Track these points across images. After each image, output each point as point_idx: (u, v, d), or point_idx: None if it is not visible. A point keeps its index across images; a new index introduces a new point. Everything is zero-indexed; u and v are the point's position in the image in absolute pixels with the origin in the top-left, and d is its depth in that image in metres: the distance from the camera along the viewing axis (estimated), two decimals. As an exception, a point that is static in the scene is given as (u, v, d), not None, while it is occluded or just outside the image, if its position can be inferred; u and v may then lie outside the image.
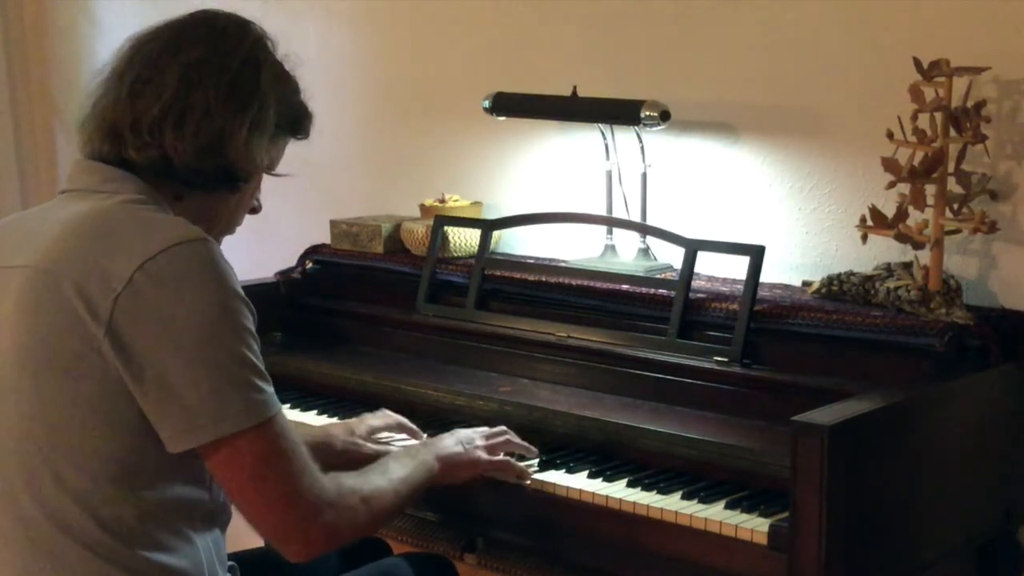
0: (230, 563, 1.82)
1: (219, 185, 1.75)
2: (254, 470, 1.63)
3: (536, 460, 2.13)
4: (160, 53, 1.72)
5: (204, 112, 1.70)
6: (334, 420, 2.41)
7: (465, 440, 2.07)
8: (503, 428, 2.15)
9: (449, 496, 2.18)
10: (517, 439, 2.14)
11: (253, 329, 1.65)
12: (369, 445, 2.14)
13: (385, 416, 2.22)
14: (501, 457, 2.09)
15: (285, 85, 1.80)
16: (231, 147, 1.72)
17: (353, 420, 2.21)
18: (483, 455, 2.07)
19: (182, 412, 1.59)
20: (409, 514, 2.31)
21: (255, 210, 1.88)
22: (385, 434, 2.21)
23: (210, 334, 1.59)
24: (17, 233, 1.75)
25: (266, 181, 1.86)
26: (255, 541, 1.73)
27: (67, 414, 1.60)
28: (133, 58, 1.74)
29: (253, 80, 1.74)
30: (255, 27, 1.79)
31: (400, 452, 1.98)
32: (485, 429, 2.13)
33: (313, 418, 2.44)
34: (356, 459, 2.03)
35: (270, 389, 1.65)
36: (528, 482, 2.08)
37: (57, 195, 1.78)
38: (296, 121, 1.83)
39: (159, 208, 1.71)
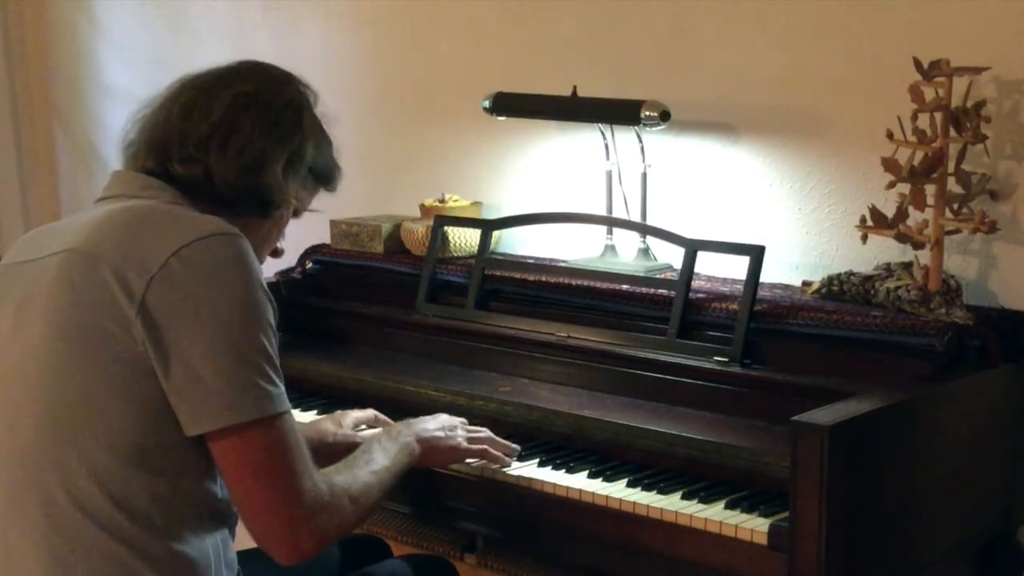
0: (231, 565, 1.83)
1: (251, 208, 1.82)
2: (260, 463, 1.66)
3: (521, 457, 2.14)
4: (211, 85, 1.83)
5: (249, 135, 1.79)
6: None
7: (448, 427, 2.10)
8: (484, 429, 2.17)
9: (449, 496, 2.19)
10: (498, 439, 2.15)
11: (275, 325, 1.71)
12: (360, 436, 2.16)
13: (365, 410, 2.26)
14: (480, 446, 2.11)
15: (322, 136, 1.91)
16: (269, 172, 1.80)
17: (338, 413, 2.24)
18: (463, 443, 2.10)
19: (202, 395, 1.63)
20: (408, 515, 2.31)
21: (276, 253, 1.95)
22: (367, 428, 2.23)
23: (236, 321, 1.65)
24: (53, 233, 1.80)
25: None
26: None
27: (93, 391, 1.64)
28: (182, 92, 1.83)
29: (296, 119, 1.85)
30: (299, 78, 1.90)
31: (383, 436, 2.00)
32: (466, 421, 2.15)
33: (313, 418, 2.43)
34: (348, 449, 2.03)
35: (283, 386, 1.70)
36: (509, 468, 2.10)
37: (93, 203, 1.83)
38: (328, 172, 1.93)
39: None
